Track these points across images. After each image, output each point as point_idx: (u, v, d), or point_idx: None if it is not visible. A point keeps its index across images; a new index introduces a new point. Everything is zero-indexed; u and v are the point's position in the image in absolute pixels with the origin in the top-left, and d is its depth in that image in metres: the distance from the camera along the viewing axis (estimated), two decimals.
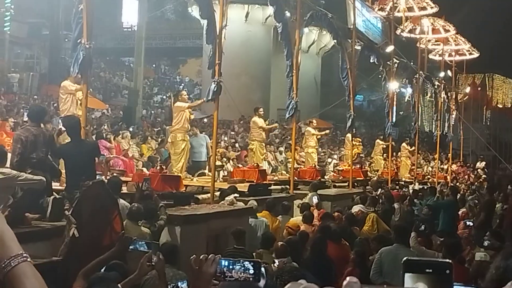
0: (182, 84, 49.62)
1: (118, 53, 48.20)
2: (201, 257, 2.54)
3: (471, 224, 14.30)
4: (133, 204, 9.07)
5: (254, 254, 9.25)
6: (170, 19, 47.18)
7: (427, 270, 1.85)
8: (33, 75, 34.28)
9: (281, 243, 8.61)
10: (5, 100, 25.96)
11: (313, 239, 9.20)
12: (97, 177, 9.51)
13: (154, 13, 32.89)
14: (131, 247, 5.07)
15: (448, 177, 31.80)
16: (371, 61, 23.36)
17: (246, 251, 8.98)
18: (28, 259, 1.88)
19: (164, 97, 40.72)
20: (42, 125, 9.34)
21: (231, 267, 2.46)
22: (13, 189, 8.18)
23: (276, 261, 8.23)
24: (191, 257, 2.62)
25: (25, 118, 13.00)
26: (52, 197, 8.27)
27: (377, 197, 16.35)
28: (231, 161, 19.73)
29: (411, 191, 20.36)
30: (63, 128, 9.75)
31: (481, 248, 9.15)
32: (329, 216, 12.26)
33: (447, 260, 1.86)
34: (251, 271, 2.45)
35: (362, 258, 8.85)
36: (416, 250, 8.94)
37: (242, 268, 2.45)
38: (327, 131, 24.04)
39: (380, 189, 18.48)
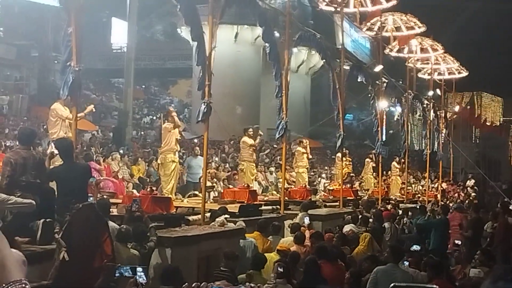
0: (172, 105, 49.62)
1: (108, 74, 48.22)
2: (193, 285, 2.54)
3: (459, 242, 14.32)
4: (122, 226, 9.04)
5: (244, 275, 9.22)
6: (159, 40, 47.35)
7: None
8: (23, 97, 34.20)
9: (280, 264, 8.62)
10: None
11: (306, 260, 9.20)
12: (88, 200, 9.49)
13: (143, 34, 32.98)
14: (116, 274, 5.06)
15: (438, 195, 31.84)
16: (359, 80, 23.46)
17: (230, 273, 8.92)
18: (27, 286, 1.89)
19: (154, 118, 40.70)
20: (32, 148, 9.30)
21: None
22: (2, 212, 8.14)
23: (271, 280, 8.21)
24: (184, 285, 2.62)
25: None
26: (42, 220, 8.22)
27: (368, 216, 16.35)
28: (221, 182, 19.72)
29: (400, 211, 20.34)
30: (56, 152, 9.72)
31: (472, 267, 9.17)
32: (319, 235, 12.23)
33: (434, 286, 1.88)
34: None
35: (356, 278, 8.86)
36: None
37: None
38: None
39: (372, 209, 18.46)
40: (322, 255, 9.45)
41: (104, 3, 36.75)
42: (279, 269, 8.30)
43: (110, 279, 5.16)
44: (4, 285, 1.89)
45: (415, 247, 10.30)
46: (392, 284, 1.85)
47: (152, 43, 45.70)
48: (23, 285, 1.91)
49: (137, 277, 4.96)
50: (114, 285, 5.57)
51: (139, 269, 5.10)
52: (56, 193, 9.01)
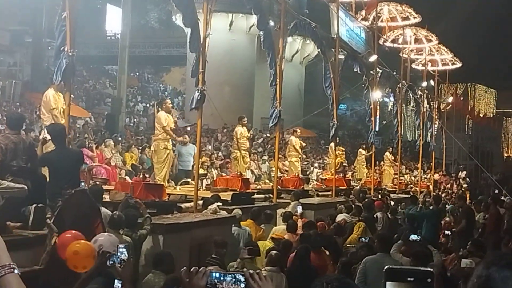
0: (166, 93, 49.54)
1: (102, 61, 48.07)
2: (191, 269, 2.52)
3: (449, 233, 14.36)
4: (114, 212, 9.03)
5: (235, 262, 9.22)
6: (154, 27, 47.09)
7: (409, 279, 1.86)
8: (16, 82, 34.04)
9: (275, 252, 8.63)
10: None
11: (297, 249, 9.21)
12: (81, 185, 9.47)
13: (138, 21, 32.83)
14: (110, 262, 5.05)
15: (431, 186, 31.92)
16: (355, 70, 23.44)
17: (220, 261, 8.92)
18: (15, 271, 1.89)
19: (148, 105, 40.63)
20: (23, 133, 9.27)
21: (222, 279, 2.43)
22: None
23: (264, 269, 8.22)
24: (181, 270, 2.61)
25: None
26: (33, 205, 8.20)
27: (361, 206, 16.38)
28: (216, 169, 19.69)
29: (392, 202, 20.39)
30: (48, 137, 9.69)
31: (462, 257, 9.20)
32: (312, 224, 12.26)
33: (429, 269, 1.87)
34: (242, 284, 2.42)
35: (346, 267, 8.87)
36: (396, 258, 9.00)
37: (234, 280, 2.42)
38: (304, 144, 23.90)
39: (364, 199, 18.49)
40: (307, 243, 9.50)
41: None
42: (273, 257, 8.32)
43: (104, 266, 5.15)
44: None
45: (413, 237, 10.28)
46: (386, 266, 1.84)
47: (147, 30, 45.51)
48: (12, 269, 1.90)
49: (119, 253, 4.96)
50: (110, 271, 5.55)
51: (120, 245, 5.09)
52: (47, 178, 8.99)
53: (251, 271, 2.46)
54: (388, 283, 1.88)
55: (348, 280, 2.66)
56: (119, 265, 4.91)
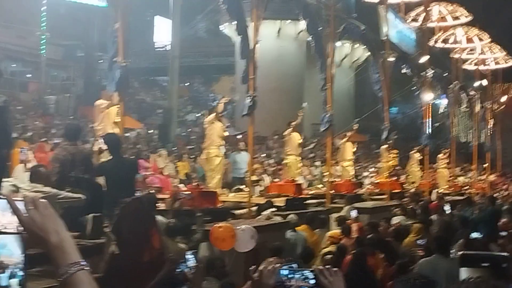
0: (216, 102, 49.74)
1: (151, 72, 48.57)
2: (260, 267, 2.53)
3: (506, 234, 14.08)
4: (169, 220, 9.10)
5: None
6: (202, 37, 47.43)
7: (484, 264, 1.82)
8: (70, 96, 34.71)
9: (330, 255, 8.58)
10: (43, 122, 26.30)
11: (354, 253, 9.14)
12: (136, 194, 9.58)
13: (186, 32, 33.08)
14: (178, 269, 5.10)
15: (487, 187, 31.34)
16: (403, 71, 23.21)
17: None
18: (86, 268, 1.91)
19: (199, 114, 40.89)
20: (80, 144, 9.42)
21: (290, 276, 2.44)
22: (53, 207, 8.25)
23: None
24: (250, 268, 2.62)
25: None
26: (91, 215, 8.32)
27: (416, 208, 16.18)
28: (269, 176, 19.68)
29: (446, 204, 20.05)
30: (104, 147, 9.83)
31: None
32: (374, 226, 12.12)
33: (504, 254, 1.83)
34: (311, 281, 2.42)
35: (403, 270, 8.75)
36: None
37: (302, 277, 2.43)
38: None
39: (419, 201, 18.23)
40: (363, 247, 9.44)
41: (147, 2, 37.08)
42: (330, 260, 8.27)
43: (172, 274, 5.18)
44: (64, 267, 1.91)
45: (475, 235, 10.01)
46: (461, 252, 1.83)
47: (195, 40, 45.82)
48: (82, 267, 1.92)
49: (187, 261, 5.00)
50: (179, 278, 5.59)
51: (188, 252, 5.14)
52: (104, 187, 9.11)
53: (320, 267, 2.46)
54: (462, 269, 1.85)
55: (431, 278, 2.64)
56: (189, 271, 4.96)
